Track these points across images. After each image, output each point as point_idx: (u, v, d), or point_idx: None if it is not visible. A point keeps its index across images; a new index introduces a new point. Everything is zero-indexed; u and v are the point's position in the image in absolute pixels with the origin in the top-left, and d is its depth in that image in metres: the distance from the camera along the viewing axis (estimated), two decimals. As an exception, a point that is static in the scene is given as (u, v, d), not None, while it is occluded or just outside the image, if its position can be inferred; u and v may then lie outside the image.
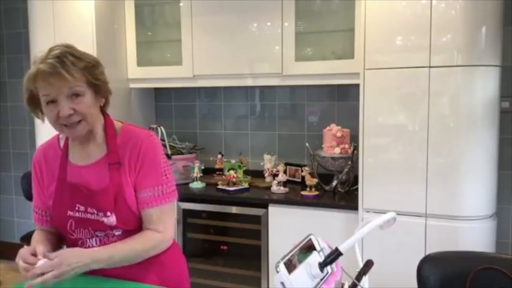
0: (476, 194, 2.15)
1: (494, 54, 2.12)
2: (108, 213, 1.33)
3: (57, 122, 1.30)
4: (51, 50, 1.28)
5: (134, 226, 1.39)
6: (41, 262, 1.22)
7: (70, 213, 1.37)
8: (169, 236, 1.42)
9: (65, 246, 1.45)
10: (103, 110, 1.42)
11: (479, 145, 2.13)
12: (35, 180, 1.47)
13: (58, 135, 1.48)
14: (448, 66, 2.10)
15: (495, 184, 2.22)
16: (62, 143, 1.45)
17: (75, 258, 1.23)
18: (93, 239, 1.37)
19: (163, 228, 1.39)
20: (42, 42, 2.91)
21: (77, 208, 1.36)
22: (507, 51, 2.48)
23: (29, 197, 2.57)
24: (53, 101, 1.27)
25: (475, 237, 2.16)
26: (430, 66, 2.13)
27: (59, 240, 1.45)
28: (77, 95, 1.28)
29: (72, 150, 1.42)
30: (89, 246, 1.37)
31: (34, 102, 1.33)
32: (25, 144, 3.82)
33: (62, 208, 1.38)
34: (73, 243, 1.40)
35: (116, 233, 1.36)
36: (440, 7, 2.09)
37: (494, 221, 2.23)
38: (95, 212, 1.34)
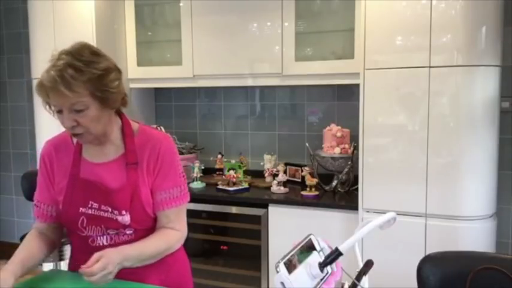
0: (476, 194, 2.15)
1: (494, 54, 2.12)
2: (123, 212, 1.33)
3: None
4: (59, 57, 1.24)
5: (147, 226, 1.40)
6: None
7: (82, 209, 1.35)
8: (185, 235, 1.46)
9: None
10: (118, 110, 1.40)
11: (479, 145, 2.13)
12: (43, 174, 1.44)
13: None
14: (448, 66, 2.10)
15: (495, 184, 2.22)
16: (75, 139, 1.41)
17: (115, 257, 1.23)
18: (104, 237, 1.36)
19: (180, 227, 1.43)
20: (42, 42, 2.92)
21: (89, 205, 1.35)
22: (507, 51, 2.48)
23: (29, 197, 2.55)
24: (59, 111, 1.27)
25: (475, 237, 2.16)
26: (430, 66, 2.13)
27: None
28: (79, 110, 1.25)
29: (87, 147, 1.40)
30: (99, 244, 1.37)
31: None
32: (25, 144, 3.82)
33: (74, 204, 1.36)
34: (82, 241, 1.38)
35: (128, 232, 1.36)
36: (440, 7, 2.09)
37: (494, 221, 2.23)
38: (110, 209, 1.34)
